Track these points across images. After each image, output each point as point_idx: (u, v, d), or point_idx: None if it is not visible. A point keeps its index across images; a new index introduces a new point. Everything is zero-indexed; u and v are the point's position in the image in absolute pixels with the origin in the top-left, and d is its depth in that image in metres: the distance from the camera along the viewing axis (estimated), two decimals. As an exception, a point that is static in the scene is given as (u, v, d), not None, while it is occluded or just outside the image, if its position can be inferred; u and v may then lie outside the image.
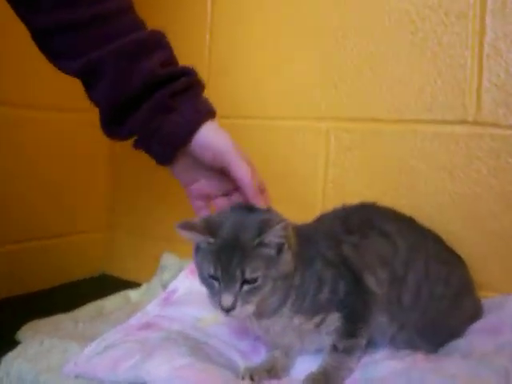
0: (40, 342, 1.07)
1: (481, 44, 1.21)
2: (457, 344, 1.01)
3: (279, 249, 0.91)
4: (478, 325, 1.05)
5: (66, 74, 0.97)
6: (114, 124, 0.97)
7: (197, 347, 0.99)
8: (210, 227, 0.91)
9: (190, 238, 0.93)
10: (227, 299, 0.88)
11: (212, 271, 0.89)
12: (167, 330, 1.05)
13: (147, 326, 1.09)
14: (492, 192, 1.20)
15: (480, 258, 1.18)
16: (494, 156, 1.19)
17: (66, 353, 1.02)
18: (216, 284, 0.90)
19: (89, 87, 0.97)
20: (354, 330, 0.97)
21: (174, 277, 1.32)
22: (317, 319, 0.97)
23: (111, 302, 1.33)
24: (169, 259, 1.42)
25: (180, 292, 1.22)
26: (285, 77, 1.42)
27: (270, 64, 1.45)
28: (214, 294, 0.91)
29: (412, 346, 1.02)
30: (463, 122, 1.22)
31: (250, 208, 0.97)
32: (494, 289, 1.19)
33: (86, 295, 1.36)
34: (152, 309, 1.17)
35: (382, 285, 1.00)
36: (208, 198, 1.06)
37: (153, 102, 0.95)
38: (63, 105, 1.57)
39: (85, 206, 1.69)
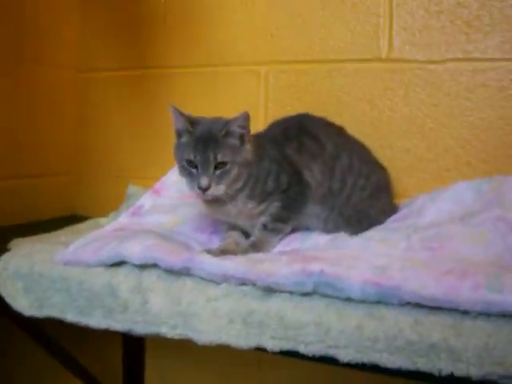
0: (31, 245, 1.28)
1: (391, -5, 1.48)
2: (375, 228, 1.27)
3: (241, 139, 1.19)
4: (393, 217, 1.32)
5: None
6: None
7: (163, 237, 1.21)
8: (191, 119, 1.21)
9: (176, 120, 1.22)
10: (204, 180, 1.16)
11: (192, 157, 1.17)
12: (138, 229, 1.27)
13: (120, 229, 1.30)
14: (403, 116, 1.46)
15: (395, 171, 1.44)
16: (404, 86, 1.46)
17: (55, 251, 1.21)
18: (194, 171, 1.18)
19: None
20: (285, 217, 1.26)
21: (139, 202, 1.54)
22: (262, 206, 1.25)
23: (84, 225, 1.53)
24: (134, 189, 1.64)
25: (146, 207, 1.44)
26: (229, 29, 1.68)
27: (215, 16, 1.70)
28: (193, 179, 1.18)
29: (338, 229, 1.27)
30: (378, 59, 1.49)
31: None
32: (407, 196, 1.45)
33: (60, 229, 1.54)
34: (122, 219, 1.39)
35: (315, 176, 1.28)
36: None
37: None
38: (38, 58, 1.79)
39: (55, 151, 1.88)
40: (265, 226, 1.24)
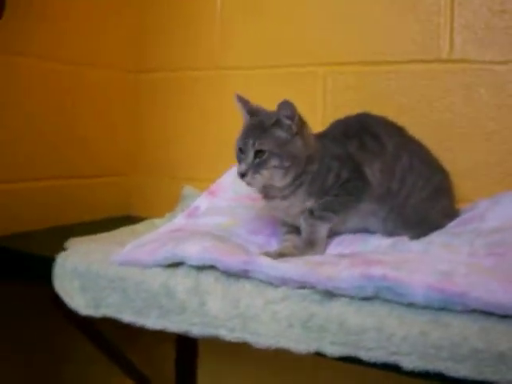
0: (88, 244, 1.29)
1: (453, -7, 1.44)
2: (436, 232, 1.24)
3: (290, 132, 1.19)
4: (454, 221, 1.28)
5: None
6: None
7: (220, 238, 1.20)
8: (252, 110, 1.23)
9: (239, 107, 1.25)
10: (241, 167, 1.18)
11: (239, 144, 1.20)
12: (195, 230, 1.27)
13: (177, 230, 1.31)
14: (465, 118, 1.43)
15: (456, 174, 1.40)
16: (465, 88, 1.43)
17: (111, 251, 1.22)
18: (241, 157, 1.19)
19: None
20: (336, 207, 1.23)
21: (195, 203, 1.54)
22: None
23: (140, 226, 1.54)
24: (189, 191, 1.65)
25: (202, 208, 1.44)
26: (287, 29, 1.68)
27: (273, 17, 1.70)
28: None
29: (397, 230, 1.26)
30: (438, 60, 1.46)
31: None
32: (468, 200, 1.41)
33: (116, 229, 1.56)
34: (179, 221, 1.39)
35: (375, 175, 1.26)
36: None
37: None
38: (93, 60, 1.81)
39: (110, 152, 1.91)
40: (311, 212, 1.22)
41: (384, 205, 1.27)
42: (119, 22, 1.90)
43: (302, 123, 1.22)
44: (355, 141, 1.29)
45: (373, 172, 1.26)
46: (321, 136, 1.31)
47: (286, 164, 1.18)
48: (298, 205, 1.23)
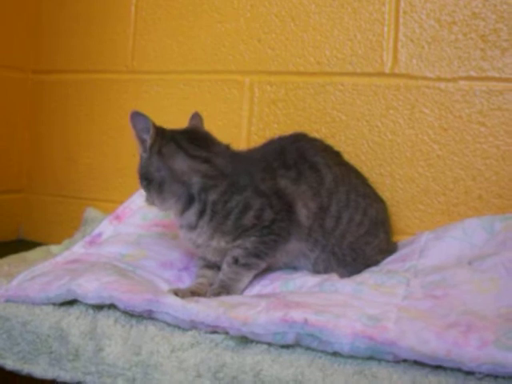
0: (-32, 277, 1.27)
1: (398, 0, 1.50)
2: (369, 269, 1.28)
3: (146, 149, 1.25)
4: (391, 257, 1.34)
5: None
6: None
7: (123, 272, 1.22)
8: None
9: None
10: None
11: None
12: (95, 262, 1.28)
13: (74, 261, 1.31)
14: (407, 140, 1.48)
15: (396, 203, 1.46)
16: (410, 106, 1.48)
17: (-5, 285, 1.22)
18: None
19: None
20: (261, 253, 1.26)
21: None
22: (238, 243, 1.25)
23: (33, 253, 1.53)
24: (93, 213, 1.64)
25: (105, 236, 1.44)
26: (209, 31, 1.70)
27: (193, 18, 1.72)
28: None
29: (329, 269, 1.29)
30: (381, 74, 1.51)
31: None
32: (408, 232, 1.47)
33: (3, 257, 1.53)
34: (77, 249, 1.39)
35: (308, 213, 1.29)
36: None
37: None
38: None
39: (2, 167, 1.89)
40: (236, 260, 1.25)
41: (316, 245, 1.31)
42: (15, 15, 1.89)
43: (165, 139, 1.27)
44: (292, 171, 1.31)
45: (305, 209, 1.29)
46: (247, 159, 1.33)
47: (143, 183, 1.27)
48: (206, 239, 1.26)
